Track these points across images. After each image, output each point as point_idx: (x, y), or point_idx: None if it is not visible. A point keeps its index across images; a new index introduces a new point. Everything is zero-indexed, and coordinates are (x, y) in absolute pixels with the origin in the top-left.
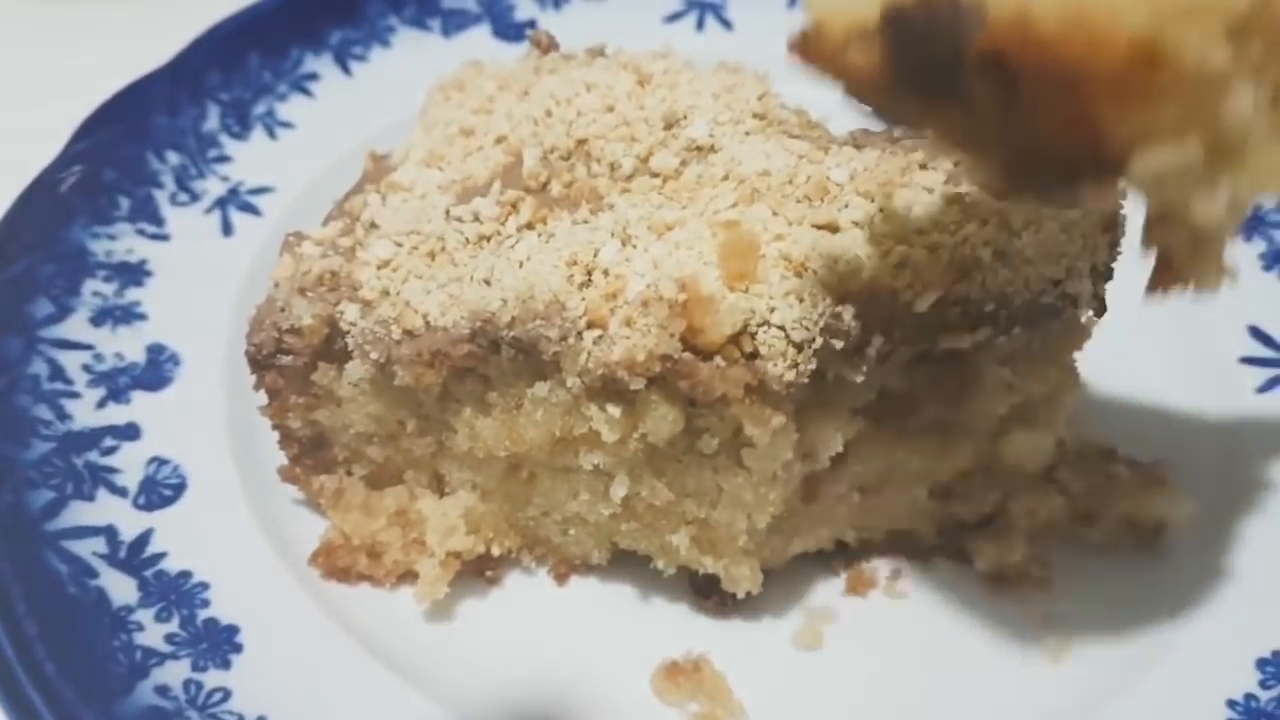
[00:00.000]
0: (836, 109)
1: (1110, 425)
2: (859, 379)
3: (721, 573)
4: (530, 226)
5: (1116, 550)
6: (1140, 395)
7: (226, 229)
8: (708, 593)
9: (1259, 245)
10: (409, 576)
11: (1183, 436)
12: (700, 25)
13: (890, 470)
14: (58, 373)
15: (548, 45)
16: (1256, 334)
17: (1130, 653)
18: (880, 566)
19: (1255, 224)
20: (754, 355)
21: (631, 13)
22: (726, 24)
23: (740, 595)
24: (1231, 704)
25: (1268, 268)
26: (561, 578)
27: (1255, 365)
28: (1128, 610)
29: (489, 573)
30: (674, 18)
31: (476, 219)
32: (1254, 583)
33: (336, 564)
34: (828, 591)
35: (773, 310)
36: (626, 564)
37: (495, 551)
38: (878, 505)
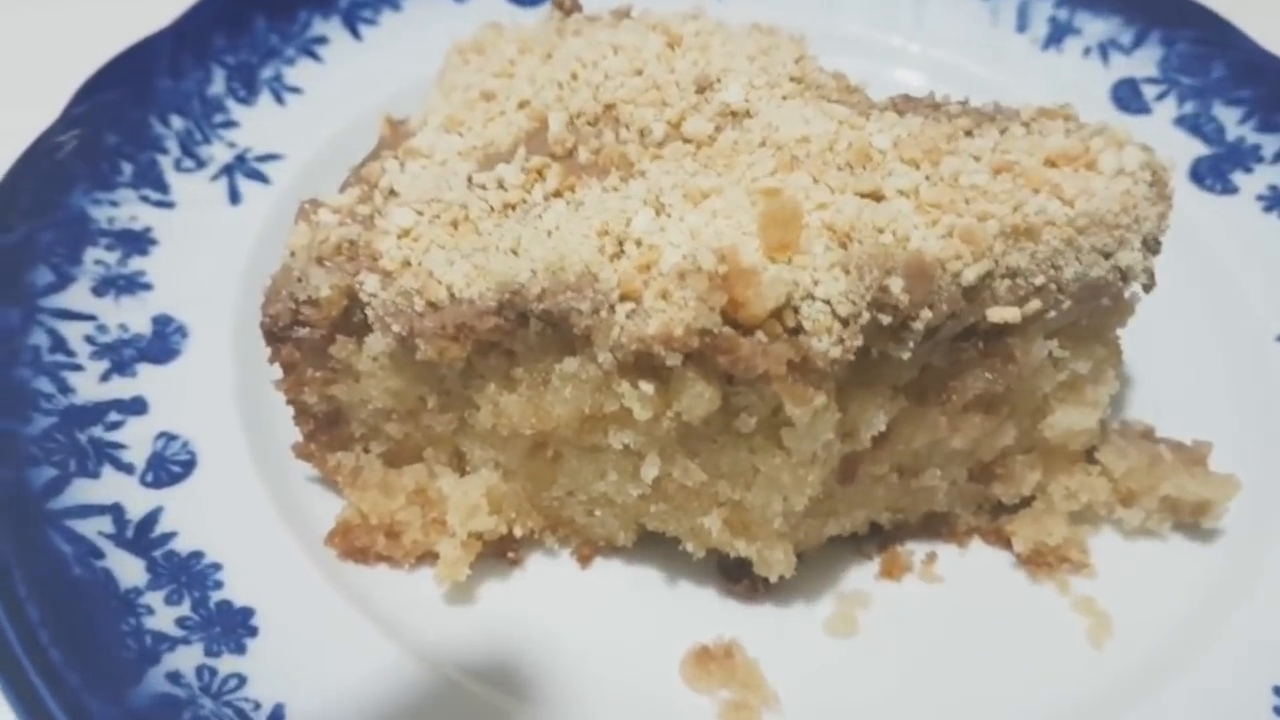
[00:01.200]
0: (874, 74)
1: (1150, 405)
2: (905, 355)
3: (754, 556)
4: (558, 194)
5: (1158, 532)
6: (1179, 375)
7: (234, 196)
8: (737, 576)
9: None
10: (428, 557)
11: (1222, 416)
12: None
13: (931, 450)
14: (59, 344)
15: (570, 7)
16: None
17: (1173, 637)
18: (915, 550)
19: None
20: (797, 330)
21: None
22: None
23: (773, 579)
24: (1278, 690)
25: None
26: (585, 559)
27: None
28: (1170, 593)
29: (511, 554)
30: None
31: (501, 186)
32: None
33: (354, 544)
34: (860, 575)
35: (817, 283)
36: (652, 546)
37: (517, 532)
38: (916, 486)
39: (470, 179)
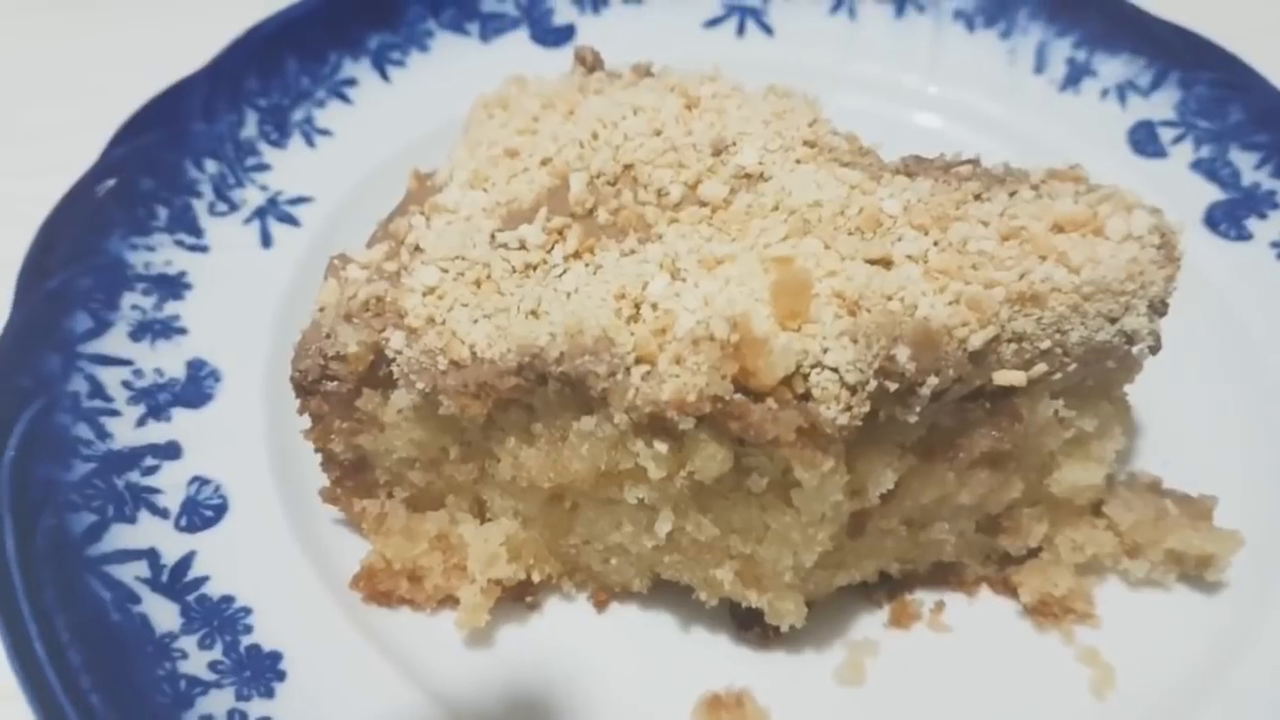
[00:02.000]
0: (891, 116)
1: (1159, 453)
2: (912, 419)
3: (765, 607)
4: (577, 256)
5: (1163, 584)
6: (1189, 422)
7: (266, 240)
8: (749, 624)
9: None
10: (449, 601)
11: (1233, 465)
12: (741, 30)
13: (939, 504)
14: (97, 390)
15: (593, 63)
16: None
17: (1176, 688)
18: (924, 599)
19: None
20: (806, 396)
21: (671, 17)
22: (767, 29)
23: (784, 628)
24: None
25: None
26: (601, 604)
27: None
28: (1174, 645)
29: (529, 599)
30: (714, 22)
31: (522, 246)
32: None
33: (378, 588)
34: (870, 623)
35: (826, 351)
36: (667, 591)
37: (536, 578)
38: (925, 539)
39: (493, 236)
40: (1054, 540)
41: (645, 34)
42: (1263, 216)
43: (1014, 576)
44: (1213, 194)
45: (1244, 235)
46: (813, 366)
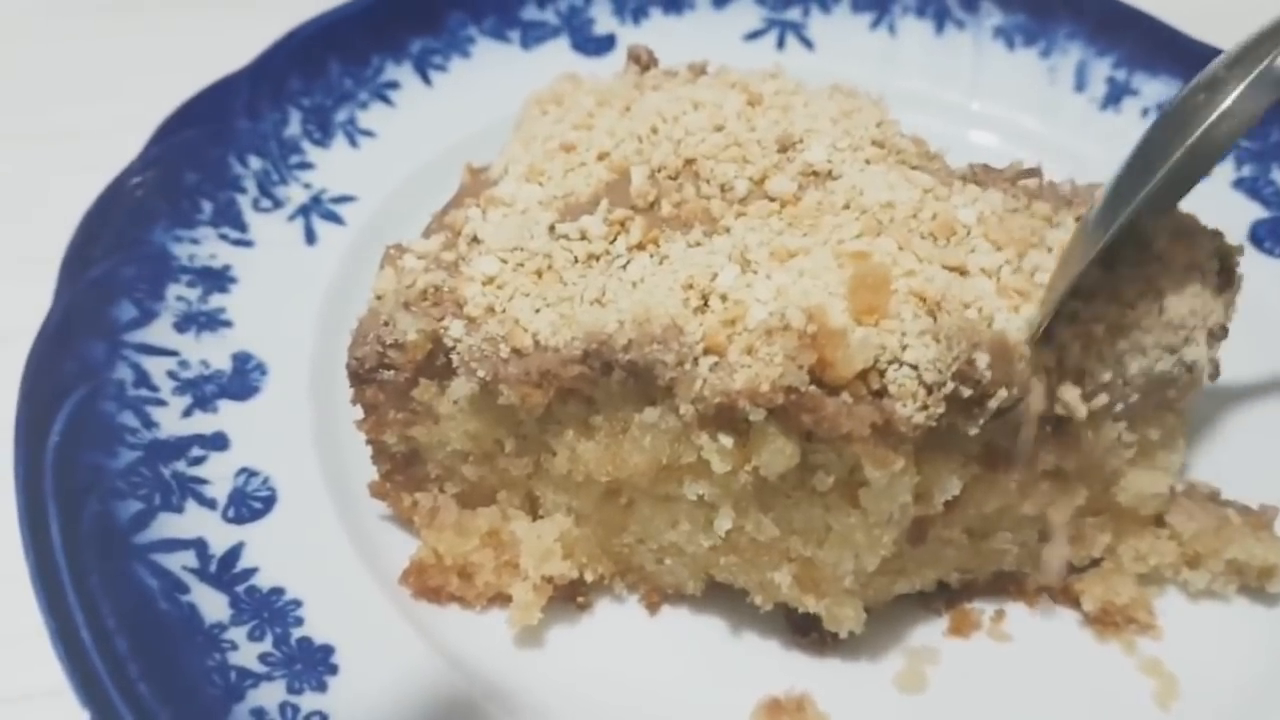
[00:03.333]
0: (953, 141)
1: (1214, 468)
2: (974, 431)
3: (823, 612)
4: (641, 247)
5: (1223, 595)
6: (1242, 437)
7: (310, 237)
8: (805, 630)
9: None
10: (499, 599)
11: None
12: (781, 44)
13: (1001, 514)
14: (143, 379)
15: (647, 61)
16: None
17: (1239, 699)
18: (984, 607)
19: None
20: (880, 393)
21: (712, 29)
22: (808, 43)
23: (842, 635)
24: None
25: None
26: (653, 606)
27: None
28: (1236, 656)
29: (580, 599)
30: (754, 35)
31: (584, 237)
32: None
33: (428, 584)
34: (929, 631)
35: (905, 348)
36: (720, 595)
37: (588, 577)
38: (986, 548)
39: (553, 228)
40: (1116, 550)
41: (685, 45)
42: None
43: (1076, 585)
44: (1256, 212)
45: None
46: (890, 363)
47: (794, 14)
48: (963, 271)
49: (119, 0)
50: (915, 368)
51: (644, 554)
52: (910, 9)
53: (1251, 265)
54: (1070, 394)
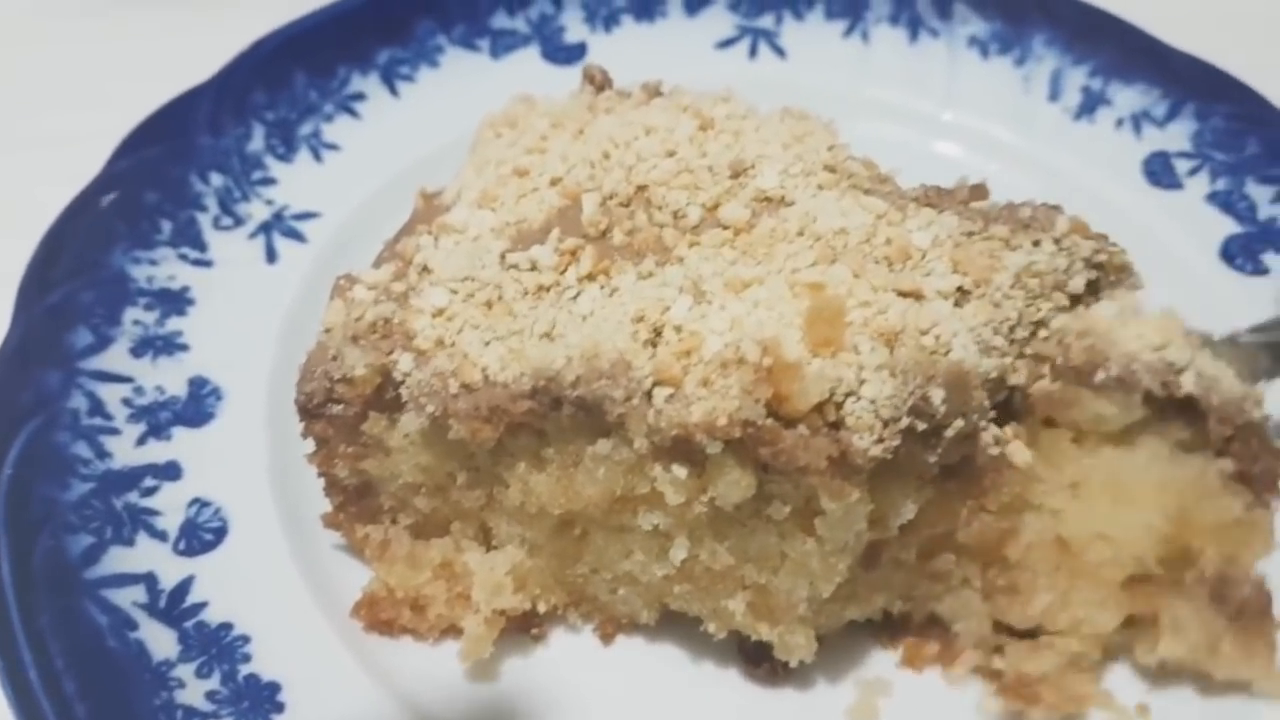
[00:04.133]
0: (902, 159)
1: None
2: (931, 459)
3: (776, 640)
4: (591, 277)
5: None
6: None
7: (270, 256)
8: (758, 660)
9: None
10: (452, 631)
11: None
12: (753, 52)
13: (949, 535)
14: (97, 407)
15: (602, 82)
16: None
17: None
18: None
19: None
20: (837, 425)
21: (684, 37)
22: (780, 52)
23: (794, 664)
24: None
25: None
26: (607, 637)
27: None
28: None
29: (534, 630)
30: (727, 43)
31: (534, 267)
32: None
33: (379, 616)
34: (881, 662)
35: (862, 382)
36: (675, 624)
37: (541, 608)
38: (931, 570)
39: (504, 257)
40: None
41: (657, 53)
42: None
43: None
44: (1229, 227)
45: (1260, 269)
46: (847, 395)
47: (767, 21)
48: (918, 296)
49: (90, 5)
50: (872, 401)
51: (598, 584)
52: (884, 17)
53: (1222, 283)
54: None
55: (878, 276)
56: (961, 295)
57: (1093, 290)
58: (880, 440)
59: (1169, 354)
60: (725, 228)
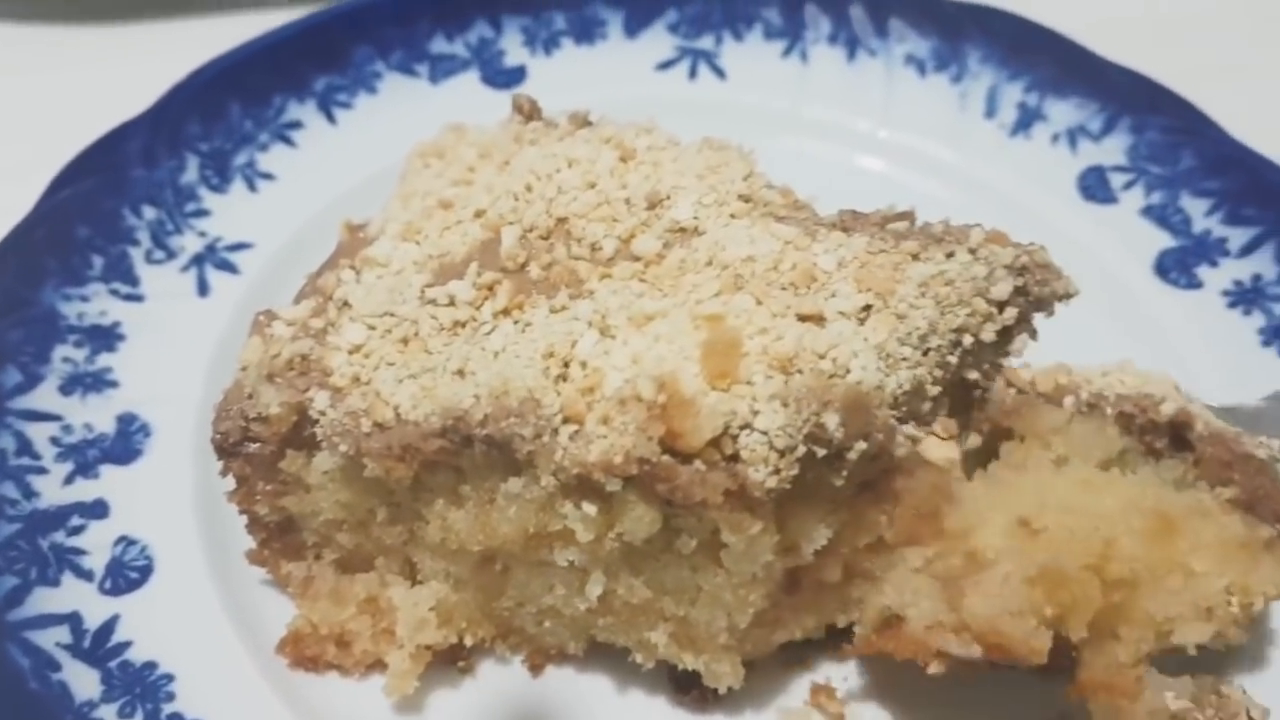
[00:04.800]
0: (836, 178)
1: None
2: (838, 482)
3: (702, 669)
4: (506, 313)
5: None
6: None
7: (202, 288)
8: (687, 687)
9: (1257, 320)
10: (379, 665)
11: None
12: (693, 73)
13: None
14: (25, 447)
15: (530, 111)
16: None
17: None
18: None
19: (1254, 296)
20: (734, 458)
21: (624, 60)
22: (720, 72)
23: (722, 691)
24: None
25: (1266, 343)
26: (537, 668)
27: None
28: None
29: (461, 662)
30: (667, 65)
31: (452, 303)
32: None
33: (304, 653)
34: (807, 688)
35: (756, 414)
36: (604, 654)
37: (468, 641)
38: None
39: (423, 292)
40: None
41: (597, 76)
42: (1213, 264)
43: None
44: (1164, 241)
45: (1194, 283)
46: (741, 428)
47: (706, 42)
48: (820, 319)
49: (22, 36)
50: (765, 433)
51: (524, 616)
52: (822, 37)
53: (1155, 296)
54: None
55: (779, 303)
56: (865, 313)
57: (1022, 293)
58: (776, 471)
59: (1148, 388)
60: (637, 259)
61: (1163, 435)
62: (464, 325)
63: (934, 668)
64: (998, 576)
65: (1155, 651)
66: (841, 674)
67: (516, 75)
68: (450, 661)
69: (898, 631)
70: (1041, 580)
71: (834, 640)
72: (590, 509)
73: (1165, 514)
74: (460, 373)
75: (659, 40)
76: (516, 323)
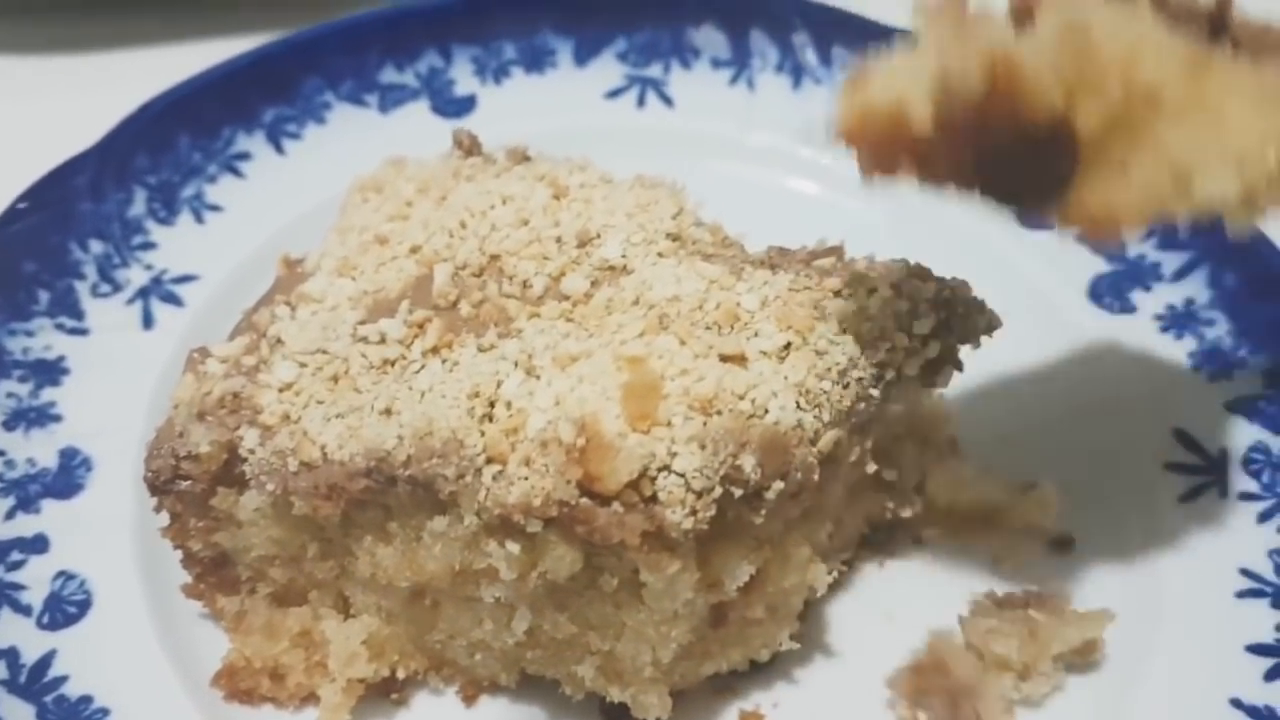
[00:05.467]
0: (761, 207)
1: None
2: (758, 520)
3: (629, 700)
4: (435, 351)
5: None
6: (1068, 501)
7: (147, 321)
8: (617, 717)
9: (1189, 343)
10: (313, 698)
11: (1106, 543)
12: (641, 101)
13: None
14: None
15: (469, 146)
16: (1182, 438)
17: None
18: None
19: (1186, 320)
20: (652, 499)
21: (573, 88)
22: (667, 100)
23: None
24: None
25: (1197, 366)
26: (470, 698)
27: (1179, 472)
28: None
29: (395, 694)
30: (615, 93)
31: (383, 340)
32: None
33: (239, 686)
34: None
35: (674, 455)
36: (536, 684)
37: (401, 673)
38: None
39: (355, 329)
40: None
41: (547, 104)
42: (1147, 289)
43: None
44: (1098, 266)
45: (1128, 308)
46: (660, 470)
47: (655, 70)
48: (741, 359)
49: None
50: (683, 475)
51: (455, 649)
52: (769, 65)
53: (1089, 321)
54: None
55: (702, 343)
56: (785, 351)
57: (945, 328)
58: (693, 512)
59: None
60: (565, 298)
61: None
62: (393, 364)
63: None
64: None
65: (1167, 206)
66: (771, 699)
67: (467, 104)
68: (384, 694)
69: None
70: (1068, 38)
71: (761, 670)
72: (513, 548)
73: (1201, 54)
74: (387, 412)
75: (608, 68)
76: (445, 361)
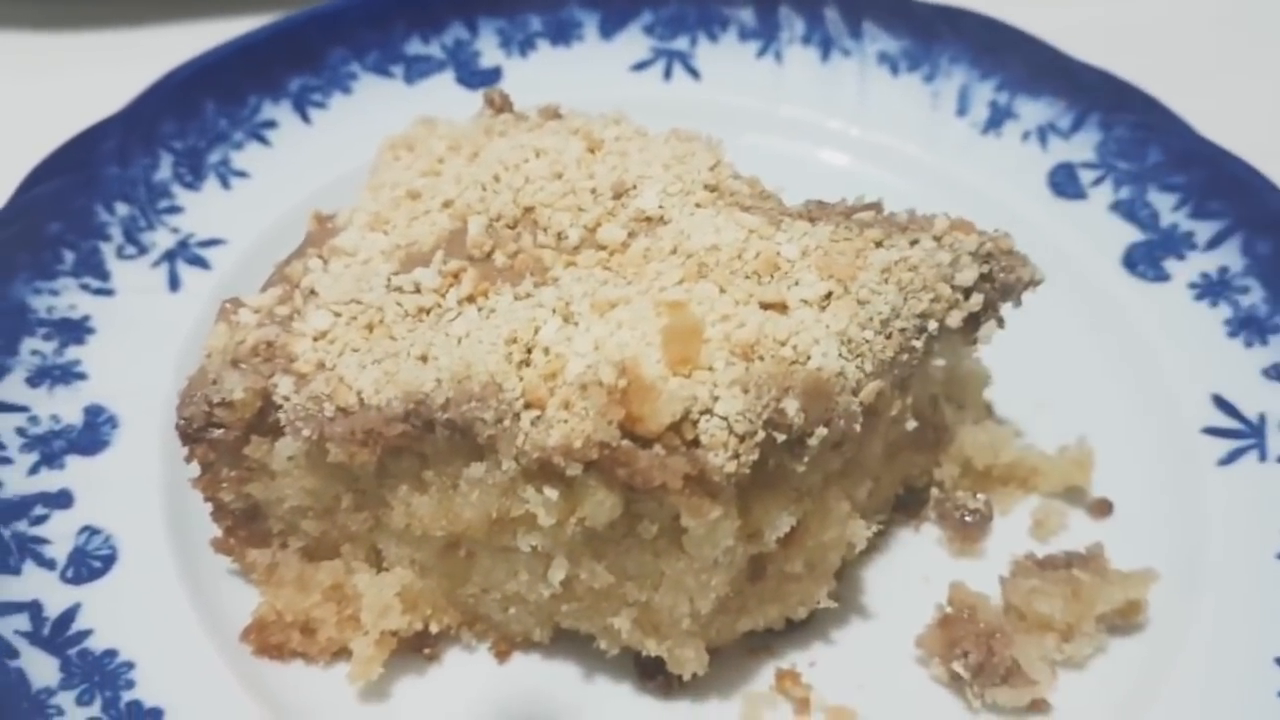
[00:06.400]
0: (807, 176)
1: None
2: (800, 469)
3: (665, 655)
4: (471, 299)
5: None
6: (1103, 462)
7: (174, 283)
8: (652, 673)
9: (1224, 311)
10: (344, 653)
11: (1147, 507)
12: (668, 74)
13: (840, 542)
14: None
15: (501, 104)
16: (1220, 403)
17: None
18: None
19: (1220, 288)
20: (694, 443)
21: (599, 61)
22: (694, 73)
23: (686, 677)
24: None
25: (1233, 334)
26: (503, 655)
27: (1218, 436)
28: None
29: (427, 650)
30: (642, 66)
31: (417, 290)
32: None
33: (269, 640)
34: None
35: (716, 399)
36: (570, 641)
37: (434, 628)
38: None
39: (389, 280)
40: None
41: (573, 77)
42: (1180, 257)
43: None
44: (1132, 235)
45: (1162, 276)
46: (702, 413)
47: (681, 43)
48: (782, 307)
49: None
50: (725, 418)
51: (489, 603)
52: (797, 38)
53: (1124, 290)
54: None
55: (742, 291)
56: (826, 300)
57: (987, 280)
58: (736, 456)
59: None
60: (602, 248)
61: None
62: (429, 312)
63: None
64: None
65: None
66: (807, 659)
67: (492, 76)
68: (416, 649)
69: None
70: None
71: (798, 630)
72: (552, 494)
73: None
74: (423, 358)
75: (634, 41)
76: (481, 309)
